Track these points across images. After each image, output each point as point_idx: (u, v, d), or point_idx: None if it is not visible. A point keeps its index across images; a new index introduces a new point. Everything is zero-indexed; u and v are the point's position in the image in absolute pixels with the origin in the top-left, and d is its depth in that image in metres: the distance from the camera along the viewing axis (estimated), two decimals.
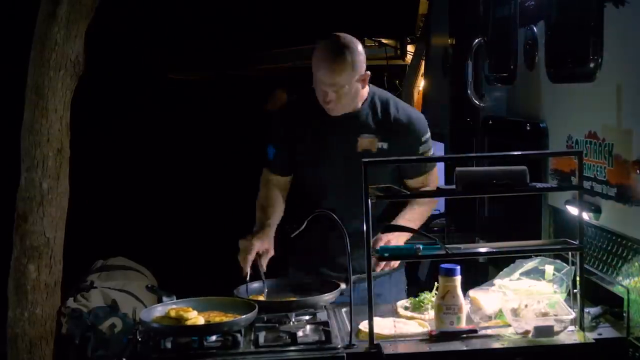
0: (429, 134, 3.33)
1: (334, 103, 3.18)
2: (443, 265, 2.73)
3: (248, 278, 3.06)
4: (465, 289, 2.83)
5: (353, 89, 3.17)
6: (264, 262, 3.12)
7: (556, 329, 2.59)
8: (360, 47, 3.17)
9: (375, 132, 3.25)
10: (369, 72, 3.22)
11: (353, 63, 3.13)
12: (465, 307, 2.73)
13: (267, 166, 3.45)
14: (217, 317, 2.75)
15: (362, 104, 3.27)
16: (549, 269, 2.84)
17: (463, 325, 2.70)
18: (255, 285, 3.10)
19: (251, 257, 3.08)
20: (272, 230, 3.21)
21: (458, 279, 2.71)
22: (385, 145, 3.25)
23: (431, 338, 2.62)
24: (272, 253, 3.15)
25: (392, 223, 3.09)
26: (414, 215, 3.25)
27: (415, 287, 3.42)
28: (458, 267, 2.73)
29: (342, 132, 3.25)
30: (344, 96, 3.16)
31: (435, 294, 2.81)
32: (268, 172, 3.44)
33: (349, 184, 3.14)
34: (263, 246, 3.13)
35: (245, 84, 9.63)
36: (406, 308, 2.96)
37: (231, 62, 9.59)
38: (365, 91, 3.27)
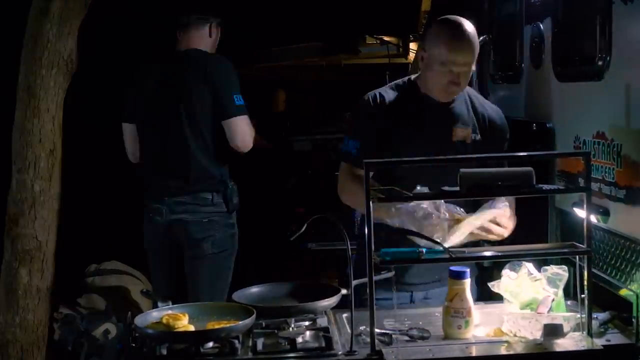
0: (509, 133, 3.40)
1: (462, 86, 3.22)
2: (452, 268, 2.74)
3: None
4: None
5: (471, 70, 3.24)
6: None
7: (565, 329, 2.59)
8: None
9: (469, 123, 3.30)
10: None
11: (477, 42, 3.21)
12: (475, 311, 2.73)
13: (349, 161, 3.30)
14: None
15: (455, 95, 3.31)
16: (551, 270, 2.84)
17: (471, 329, 2.70)
18: (254, 289, 3.10)
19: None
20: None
21: (467, 282, 2.72)
22: (478, 137, 3.30)
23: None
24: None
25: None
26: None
27: None
28: (467, 270, 2.73)
29: (436, 122, 3.27)
30: (467, 78, 3.22)
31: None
32: (352, 167, 3.29)
33: (441, 174, 3.12)
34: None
35: (244, 83, 9.65)
36: None
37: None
38: None
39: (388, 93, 3.35)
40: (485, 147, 3.30)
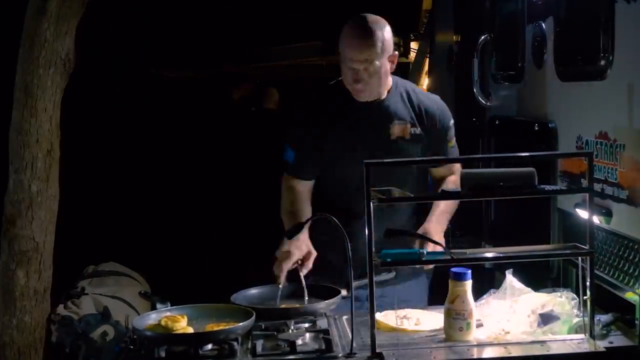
0: (453, 120, 3.38)
1: (364, 83, 3.20)
2: (453, 269, 2.74)
3: (281, 286, 3.07)
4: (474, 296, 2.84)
5: (383, 67, 3.20)
6: (307, 268, 3.14)
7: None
8: (388, 26, 3.23)
9: (406, 118, 3.30)
10: (397, 53, 3.28)
11: (383, 38, 3.18)
12: (476, 313, 2.73)
13: (287, 171, 3.40)
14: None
15: (387, 92, 3.31)
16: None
17: (472, 331, 2.70)
18: (254, 291, 3.10)
19: (287, 266, 3.10)
20: (306, 234, 3.18)
21: (468, 283, 2.71)
22: (418, 130, 3.29)
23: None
24: (314, 253, 3.17)
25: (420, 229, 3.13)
26: (446, 207, 3.27)
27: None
28: (469, 272, 2.73)
29: (373, 121, 3.28)
30: (374, 75, 3.19)
31: None
32: (290, 177, 3.40)
33: (386, 173, 3.14)
34: (302, 252, 3.14)
35: (242, 82, 9.63)
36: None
37: (226, 60, 9.59)
38: (390, 79, 3.31)
39: (320, 97, 3.40)
40: (426, 138, 3.29)
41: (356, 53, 3.16)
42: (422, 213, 3.31)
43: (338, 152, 3.28)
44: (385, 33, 3.20)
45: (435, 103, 3.37)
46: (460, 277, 2.71)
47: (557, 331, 2.71)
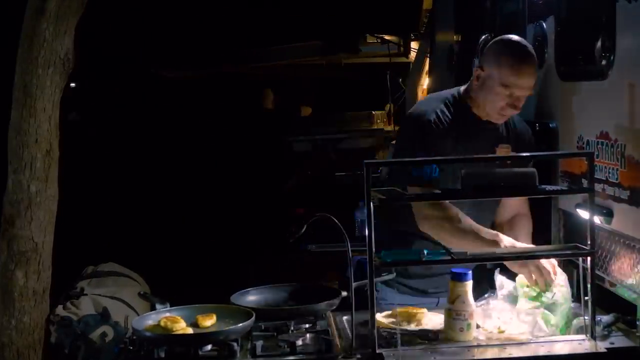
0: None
1: (518, 109, 3.20)
2: (454, 270, 2.74)
3: None
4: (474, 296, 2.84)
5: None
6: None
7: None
8: None
9: (508, 141, 3.32)
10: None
11: (536, 66, 3.20)
12: (476, 313, 2.74)
13: (431, 186, 3.07)
14: (208, 319, 2.74)
15: None
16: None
17: (473, 332, 2.70)
18: (254, 291, 3.10)
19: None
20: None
21: (469, 284, 2.72)
22: (513, 154, 3.29)
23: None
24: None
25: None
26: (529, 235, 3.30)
27: None
28: (469, 272, 2.73)
29: (482, 143, 3.27)
30: (522, 102, 3.20)
31: None
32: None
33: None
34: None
35: (241, 82, 9.64)
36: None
37: (226, 60, 9.60)
38: None
39: (444, 113, 3.27)
40: (519, 161, 3.26)
41: (523, 80, 3.13)
42: None
43: (453, 167, 3.15)
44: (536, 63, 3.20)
45: (525, 126, 3.42)
46: (460, 278, 2.72)
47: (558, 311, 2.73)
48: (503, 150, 3.28)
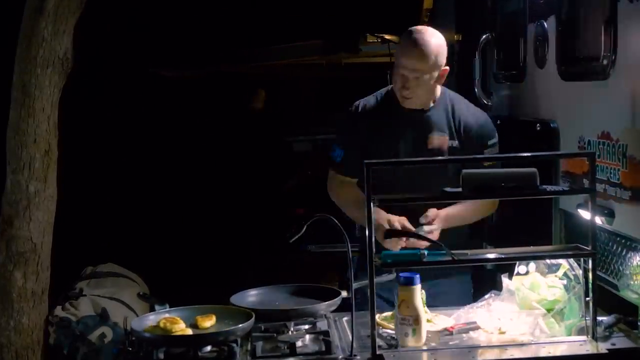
0: (495, 139, 3.43)
1: (411, 91, 3.31)
2: (402, 274, 2.73)
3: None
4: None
5: (432, 80, 3.31)
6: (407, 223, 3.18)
7: None
8: (444, 41, 3.34)
9: (445, 131, 3.37)
10: (448, 68, 3.36)
11: (437, 53, 3.29)
12: (424, 318, 2.72)
13: (335, 169, 3.54)
14: (207, 320, 2.75)
15: (433, 103, 3.40)
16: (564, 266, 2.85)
17: (422, 337, 2.69)
18: (253, 292, 3.10)
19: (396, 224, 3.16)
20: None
21: (416, 288, 2.69)
22: (456, 144, 3.37)
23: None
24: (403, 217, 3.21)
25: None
26: (465, 211, 3.37)
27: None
28: (417, 276, 2.71)
29: (413, 130, 3.38)
30: (422, 85, 3.30)
31: None
32: (338, 174, 3.53)
33: (419, 182, 3.16)
34: (395, 217, 3.20)
35: (241, 82, 9.63)
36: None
37: (225, 59, 9.59)
38: (438, 89, 3.41)
39: (369, 102, 3.51)
40: (462, 153, 3.34)
41: (408, 62, 3.28)
42: None
43: (379, 157, 3.26)
44: (440, 47, 3.31)
45: (477, 119, 3.43)
46: (407, 282, 2.70)
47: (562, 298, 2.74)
48: (437, 139, 3.35)
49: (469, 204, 3.37)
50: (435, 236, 3.13)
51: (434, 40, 3.30)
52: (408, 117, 3.39)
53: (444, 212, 3.27)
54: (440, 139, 3.36)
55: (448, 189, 2.76)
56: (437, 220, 3.21)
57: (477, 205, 3.41)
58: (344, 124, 3.56)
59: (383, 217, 3.19)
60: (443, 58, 3.32)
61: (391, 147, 3.36)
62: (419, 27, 3.38)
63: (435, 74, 3.31)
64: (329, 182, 3.60)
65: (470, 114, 3.44)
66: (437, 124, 3.38)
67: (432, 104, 3.40)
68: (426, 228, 3.15)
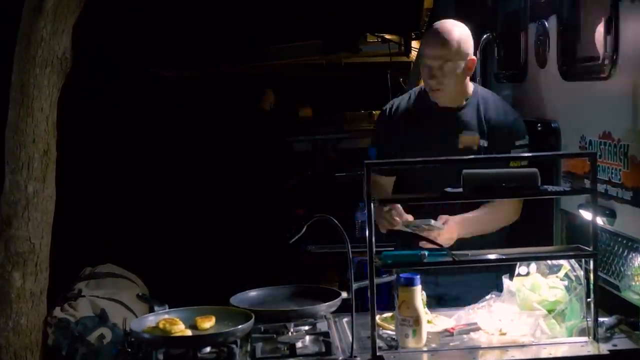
0: (525, 140, 3.41)
1: (438, 81, 3.32)
2: (402, 275, 2.73)
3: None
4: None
5: (458, 69, 3.31)
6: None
7: None
8: (468, 31, 3.37)
9: (476, 130, 3.38)
10: (475, 58, 3.38)
11: (460, 40, 3.32)
12: (425, 319, 2.72)
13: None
14: (207, 321, 2.74)
15: (465, 101, 3.41)
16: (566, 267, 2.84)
17: (423, 338, 2.68)
18: (253, 293, 3.10)
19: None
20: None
21: (416, 289, 2.69)
22: (486, 144, 3.36)
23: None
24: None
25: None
26: (482, 217, 3.33)
27: None
28: (417, 277, 2.71)
29: (445, 129, 3.38)
30: (448, 75, 3.31)
31: None
32: (374, 174, 3.38)
33: (448, 181, 3.14)
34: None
35: (241, 81, 9.63)
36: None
37: (225, 59, 9.59)
38: (470, 87, 3.43)
39: (402, 101, 3.54)
40: (491, 152, 3.33)
41: (431, 51, 3.32)
42: None
43: (412, 155, 3.26)
44: (464, 35, 3.34)
45: (506, 119, 3.42)
46: (406, 283, 2.70)
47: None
48: (467, 138, 3.35)
49: (487, 210, 3.33)
50: (442, 240, 3.08)
51: (457, 28, 3.34)
52: (440, 115, 3.40)
53: (459, 216, 3.24)
54: (470, 138, 3.36)
55: (449, 189, 2.76)
56: (449, 223, 3.17)
57: (496, 212, 3.35)
58: (379, 124, 3.64)
59: (402, 215, 3.17)
60: (468, 47, 3.34)
61: (421, 147, 3.34)
62: (442, 20, 3.42)
63: (462, 64, 3.32)
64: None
65: (501, 113, 3.43)
66: (468, 123, 3.39)
67: (464, 102, 3.41)
68: (434, 222, 3.09)
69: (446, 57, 3.29)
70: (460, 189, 2.70)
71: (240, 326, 2.68)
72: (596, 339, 2.65)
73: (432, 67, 3.31)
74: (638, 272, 2.74)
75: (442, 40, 3.30)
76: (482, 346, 2.69)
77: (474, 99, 3.42)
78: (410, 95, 3.55)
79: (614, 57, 2.89)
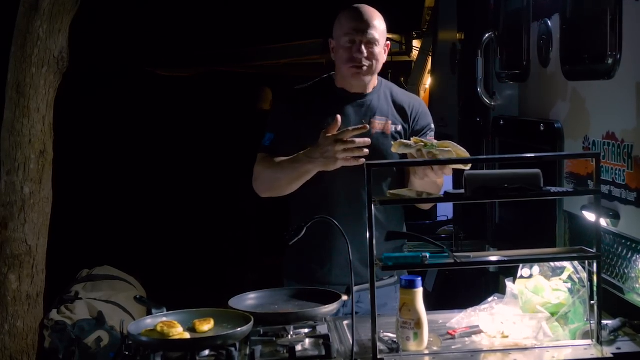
0: (433, 124, 3.44)
1: (367, 57, 3.26)
2: (403, 277, 2.73)
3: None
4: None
5: (379, 49, 3.29)
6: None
7: None
8: None
9: (387, 115, 3.35)
10: (389, 43, 3.38)
11: (381, 19, 3.30)
12: (426, 321, 2.72)
13: (264, 152, 3.40)
14: (205, 324, 2.75)
15: (373, 89, 3.38)
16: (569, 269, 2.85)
17: (424, 341, 2.68)
18: (252, 295, 3.10)
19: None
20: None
21: (418, 291, 2.69)
22: (398, 128, 3.35)
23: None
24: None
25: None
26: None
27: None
28: (419, 279, 2.71)
29: (354, 116, 3.33)
30: (373, 58, 3.27)
31: None
32: (264, 154, 3.40)
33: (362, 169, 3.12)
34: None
35: (238, 81, 9.63)
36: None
37: (225, 58, 9.60)
38: (375, 77, 3.39)
39: (304, 89, 3.46)
40: (407, 137, 3.32)
41: (360, 23, 3.25)
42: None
43: (311, 139, 3.22)
44: (382, 21, 3.31)
45: (417, 102, 3.46)
46: (408, 285, 2.69)
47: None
48: (378, 122, 3.31)
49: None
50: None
51: (377, 12, 3.32)
52: (347, 101, 3.35)
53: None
54: (382, 123, 3.33)
55: (450, 190, 2.76)
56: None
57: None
58: (275, 109, 3.56)
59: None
60: (385, 33, 3.32)
61: (323, 129, 3.22)
62: (358, 4, 3.37)
63: (382, 42, 3.30)
64: (254, 168, 3.43)
65: (408, 97, 3.45)
66: (377, 109, 3.35)
67: (371, 89, 3.38)
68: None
69: (376, 29, 3.26)
70: (462, 190, 2.70)
71: (239, 329, 2.68)
72: (600, 341, 2.65)
73: (362, 43, 3.24)
74: None
75: (372, 15, 3.27)
76: (484, 349, 2.69)
77: (379, 87, 3.41)
78: (312, 83, 3.47)
79: (618, 56, 2.90)
